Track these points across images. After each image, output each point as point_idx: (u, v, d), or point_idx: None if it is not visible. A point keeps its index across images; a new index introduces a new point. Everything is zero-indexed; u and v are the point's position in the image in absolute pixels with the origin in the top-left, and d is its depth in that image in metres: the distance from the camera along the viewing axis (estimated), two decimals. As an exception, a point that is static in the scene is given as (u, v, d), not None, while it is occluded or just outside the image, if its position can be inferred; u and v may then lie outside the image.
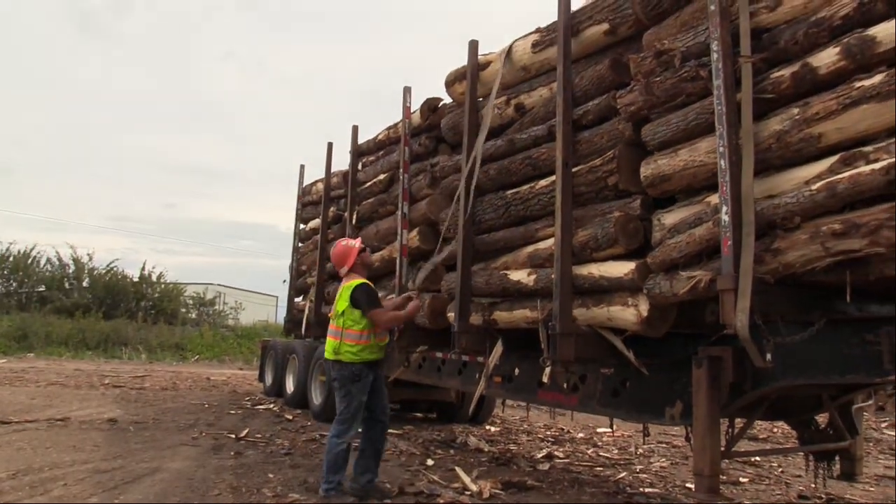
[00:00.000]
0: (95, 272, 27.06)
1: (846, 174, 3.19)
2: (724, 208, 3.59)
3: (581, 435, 9.21)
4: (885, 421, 11.46)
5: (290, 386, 10.60)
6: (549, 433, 9.26)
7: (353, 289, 5.24)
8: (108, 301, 26.10)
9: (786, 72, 3.60)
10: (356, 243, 5.56)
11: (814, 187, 3.31)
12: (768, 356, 3.67)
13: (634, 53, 4.59)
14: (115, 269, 27.53)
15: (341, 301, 5.26)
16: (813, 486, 5.90)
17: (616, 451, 8.02)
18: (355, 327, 5.17)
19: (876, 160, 3.13)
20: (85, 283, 26.91)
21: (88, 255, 28.07)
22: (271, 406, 10.37)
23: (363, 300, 5.19)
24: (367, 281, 5.37)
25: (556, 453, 7.59)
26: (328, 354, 5.25)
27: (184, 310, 29.67)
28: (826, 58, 3.42)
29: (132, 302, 27.04)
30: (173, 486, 5.22)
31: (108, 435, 7.40)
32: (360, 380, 5.14)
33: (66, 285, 26.80)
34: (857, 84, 3.24)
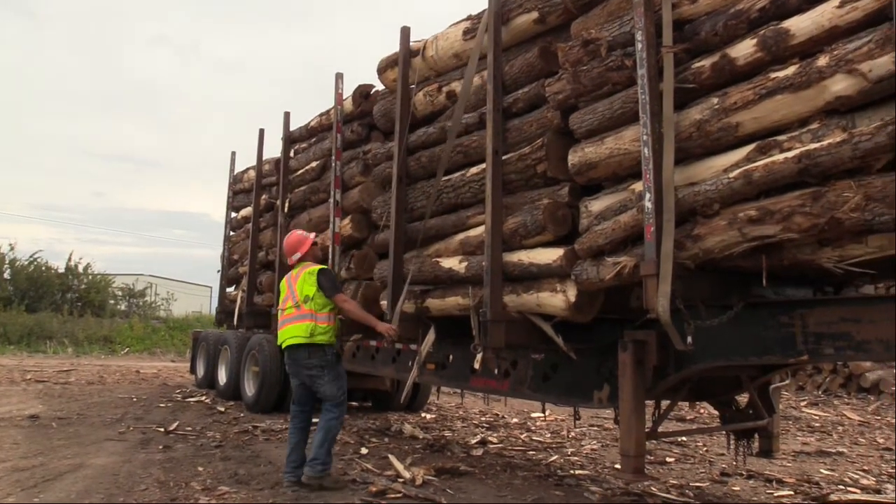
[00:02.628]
0: (17, 263, 26.00)
1: (761, 162, 3.28)
2: (648, 195, 3.66)
3: (515, 420, 9.32)
4: (804, 400, 11.97)
5: (222, 377, 10.41)
6: (483, 419, 9.34)
7: (317, 273, 5.28)
8: (32, 293, 25.16)
9: (706, 62, 3.69)
10: (311, 235, 5.60)
11: (731, 175, 3.40)
12: (689, 339, 3.77)
13: (563, 42, 4.63)
14: (38, 259, 26.58)
15: (307, 286, 5.27)
16: (734, 463, 6.11)
17: (549, 435, 8.15)
18: (325, 310, 5.24)
19: (789, 149, 3.23)
20: (6, 275, 25.82)
21: (10, 245, 26.99)
22: (203, 398, 10.16)
23: (329, 284, 5.27)
24: (328, 266, 5.41)
25: (490, 439, 7.65)
26: (297, 340, 5.18)
27: (112, 301, 28.86)
28: (744, 49, 3.51)
29: (57, 294, 26.15)
30: (97, 482, 5.06)
31: (28, 432, 7.12)
32: (341, 359, 5.33)
33: (-14, 277, 25.68)
34: (773, 75, 3.34)
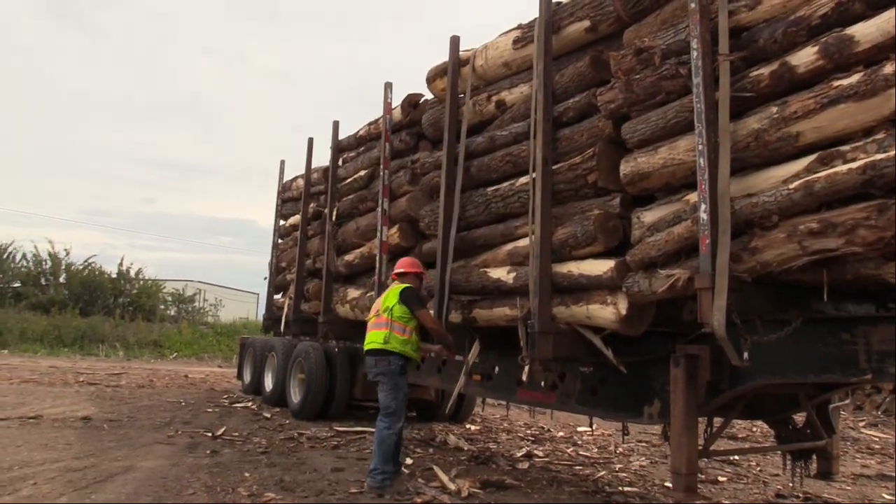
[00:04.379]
0: (73, 268, 26.75)
1: (823, 173, 3.20)
2: (703, 206, 3.60)
3: (561, 434, 9.23)
4: (862, 420, 11.59)
5: (268, 384, 10.54)
6: (529, 432, 9.27)
7: (402, 289, 5.67)
8: (86, 297, 25.82)
9: (764, 70, 3.62)
10: (425, 272, 6.07)
11: (791, 186, 3.32)
12: (745, 355, 3.69)
13: (615, 51, 4.59)
14: (92, 264, 27.27)
15: (390, 298, 5.68)
16: (790, 484, 5.94)
17: (596, 450, 8.04)
18: (401, 321, 5.57)
19: (853, 160, 3.14)
20: (62, 279, 26.60)
21: (65, 250, 27.77)
22: (249, 404, 10.30)
23: (414, 299, 5.63)
24: (415, 286, 5.84)
25: (535, 452, 7.59)
26: (373, 345, 5.57)
27: (162, 306, 29.44)
28: (804, 57, 3.43)
29: (110, 298, 26.77)
30: (146, 485, 5.16)
31: (80, 433, 7.31)
32: (406, 372, 5.59)
33: (43, 281, 26.47)
34: (835, 83, 3.25)
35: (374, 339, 5.61)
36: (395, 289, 5.73)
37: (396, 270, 5.98)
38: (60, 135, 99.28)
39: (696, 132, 3.70)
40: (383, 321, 5.61)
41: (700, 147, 3.66)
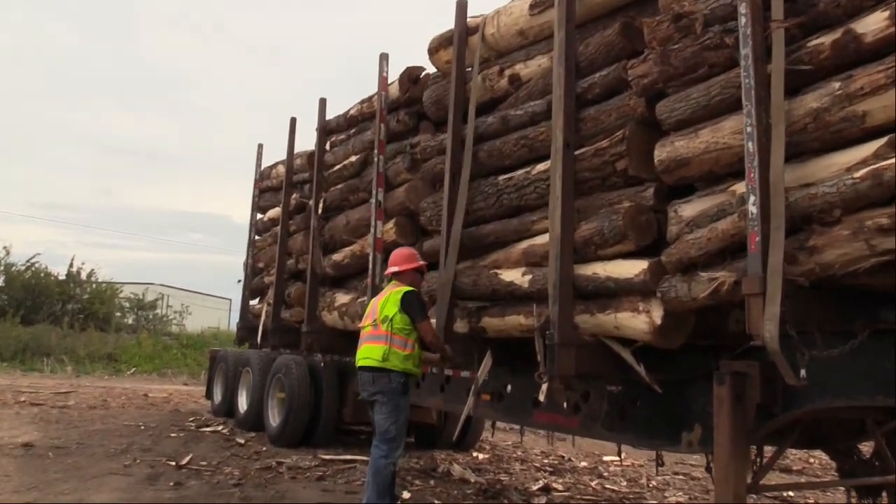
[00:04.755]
0: (13, 269, 26.75)
1: (895, 160, 3.19)
2: (752, 198, 3.60)
3: (584, 464, 9.23)
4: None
5: (242, 404, 10.56)
6: (546, 461, 9.28)
7: (403, 294, 5.64)
8: (28, 303, 25.82)
9: (825, 39, 3.60)
10: (423, 263, 6.06)
11: (857, 175, 3.31)
12: (802, 372, 3.67)
13: (649, 17, 4.58)
14: (36, 265, 27.25)
15: (389, 305, 5.64)
16: (852, 524, 5.92)
17: (625, 484, 8.04)
18: (402, 333, 5.57)
19: (929, 144, 3.13)
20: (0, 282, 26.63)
21: (5, 248, 27.69)
22: (220, 428, 10.32)
23: (416, 307, 5.61)
24: (417, 290, 5.84)
25: (554, 485, 7.59)
26: (369, 362, 5.57)
27: (119, 314, 29.50)
28: (873, 23, 3.42)
29: (57, 304, 26.77)
30: (100, 521, 5.17)
31: (21, 462, 7.33)
32: (408, 391, 5.63)
33: (-25, 284, 26.51)
34: (910, 54, 3.24)
35: (369, 354, 5.60)
36: (394, 293, 5.69)
37: (391, 269, 5.94)
38: (7, 115, 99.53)
39: (745, 111, 3.68)
40: (381, 333, 5.59)
41: (749, 129, 3.65)
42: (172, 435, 9.62)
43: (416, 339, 5.62)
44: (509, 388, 6.14)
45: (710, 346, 4.68)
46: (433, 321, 5.99)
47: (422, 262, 6.02)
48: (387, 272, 6.03)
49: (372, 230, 7.40)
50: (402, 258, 5.95)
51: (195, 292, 44.76)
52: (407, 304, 5.60)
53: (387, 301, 5.68)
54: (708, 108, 4.06)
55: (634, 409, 5.03)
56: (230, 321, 40.24)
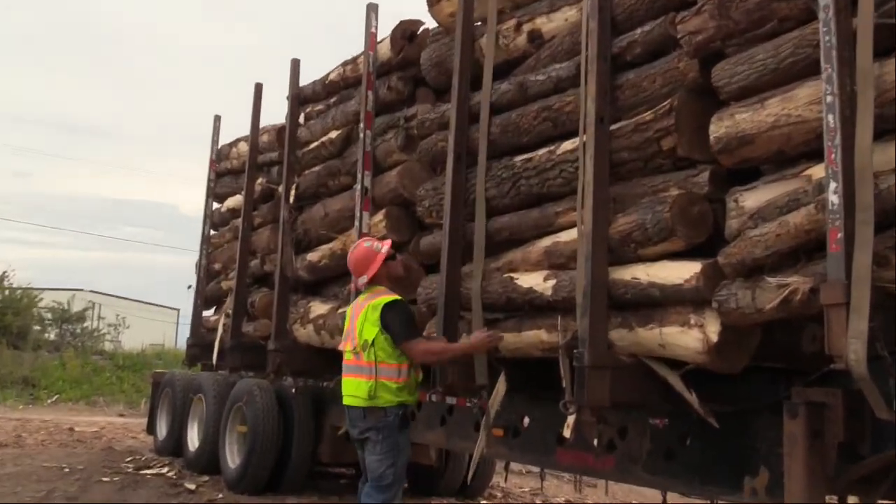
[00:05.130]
0: None
1: None
2: (833, 185, 3.58)
3: (619, 515, 9.22)
4: None
5: (193, 440, 10.56)
6: (572, 512, 9.27)
7: (382, 307, 5.59)
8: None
9: (925, -13, 3.60)
10: (383, 247, 5.88)
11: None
12: None
13: (704, -43, 4.58)
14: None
15: (368, 325, 5.60)
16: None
17: (670, 540, 8.03)
18: (391, 360, 5.55)
19: None
20: None
21: None
22: (165, 470, 10.30)
23: (399, 323, 5.57)
24: (400, 298, 5.79)
25: (582, 542, 7.59)
26: (356, 401, 5.60)
27: (38, 328, 29.44)
28: None
29: (-43, 316, 26.71)
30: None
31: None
32: (408, 426, 5.72)
33: None
34: None
35: (353, 391, 5.63)
36: (371, 307, 5.66)
37: (359, 281, 5.90)
38: None
39: (824, 76, 3.66)
40: (364, 365, 5.58)
41: (829, 98, 3.63)
42: (105, 480, 9.60)
43: (409, 361, 5.62)
44: (527, 420, 6.16)
45: (778, 371, 4.68)
46: (433, 331, 5.99)
47: (383, 247, 5.87)
48: (358, 286, 5.99)
49: (356, 224, 7.38)
50: (362, 259, 5.85)
51: (134, 300, 44.78)
52: (388, 320, 5.58)
53: (364, 319, 5.66)
54: (777, 72, 4.05)
55: (684, 447, 5.02)
56: (178, 336, 40.19)
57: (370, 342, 5.54)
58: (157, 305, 46.65)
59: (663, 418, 5.11)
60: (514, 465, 9.57)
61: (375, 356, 5.52)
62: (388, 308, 5.58)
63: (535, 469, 8.77)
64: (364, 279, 5.82)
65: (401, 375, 5.55)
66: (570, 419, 5.08)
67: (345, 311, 7.05)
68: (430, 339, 5.87)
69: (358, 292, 7.03)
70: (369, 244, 5.97)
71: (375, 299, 5.66)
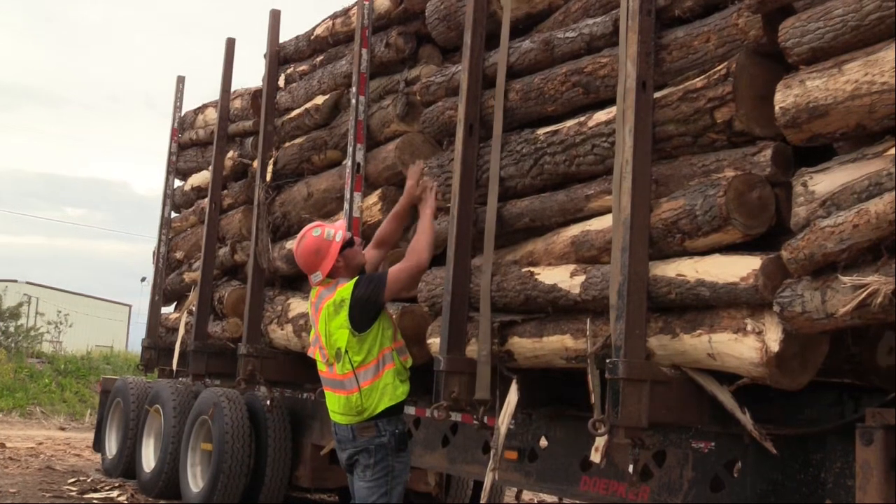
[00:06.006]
0: None
1: None
2: (925, 167, 3.54)
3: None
4: None
5: (149, 459, 10.60)
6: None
7: (349, 303, 5.56)
8: None
9: None
10: (336, 232, 5.79)
11: None
12: None
13: None
14: None
15: (337, 331, 5.60)
16: None
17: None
18: (369, 358, 5.56)
19: None
20: None
21: None
22: (115, 494, 10.30)
23: (369, 304, 5.56)
24: (358, 276, 5.73)
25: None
26: (343, 418, 5.63)
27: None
28: None
29: None
30: None
31: None
32: (406, 447, 5.70)
33: None
34: None
35: (338, 408, 5.64)
36: (332, 305, 5.64)
37: (314, 279, 5.81)
38: None
39: (917, 36, 3.63)
40: (339, 379, 5.60)
41: (923, 62, 3.59)
42: (45, 504, 9.60)
43: (394, 347, 5.68)
44: (545, 442, 6.16)
45: (848, 387, 4.66)
46: (433, 341, 5.99)
47: (339, 239, 5.75)
48: (311, 284, 5.92)
49: (346, 206, 7.38)
50: (312, 252, 5.75)
51: (78, 294, 44.90)
52: (359, 314, 5.57)
53: (328, 322, 5.65)
54: (859, 30, 3.98)
55: (733, 477, 5.00)
56: (130, 337, 40.30)
57: (344, 350, 5.56)
58: (105, 301, 46.79)
59: (709, 441, 5.11)
60: (528, 494, 9.56)
61: (351, 363, 5.53)
62: (355, 300, 5.55)
63: (554, 498, 8.75)
64: (318, 277, 5.76)
65: (380, 369, 5.56)
66: (600, 441, 5.07)
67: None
68: (398, 268, 5.81)
69: None
70: (319, 232, 5.84)
71: (334, 293, 5.65)
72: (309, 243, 5.77)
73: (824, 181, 4.17)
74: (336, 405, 5.63)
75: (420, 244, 5.74)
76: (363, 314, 5.51)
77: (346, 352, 5.51)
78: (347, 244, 5.77)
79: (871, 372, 4.53)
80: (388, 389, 5.53)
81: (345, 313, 5.51)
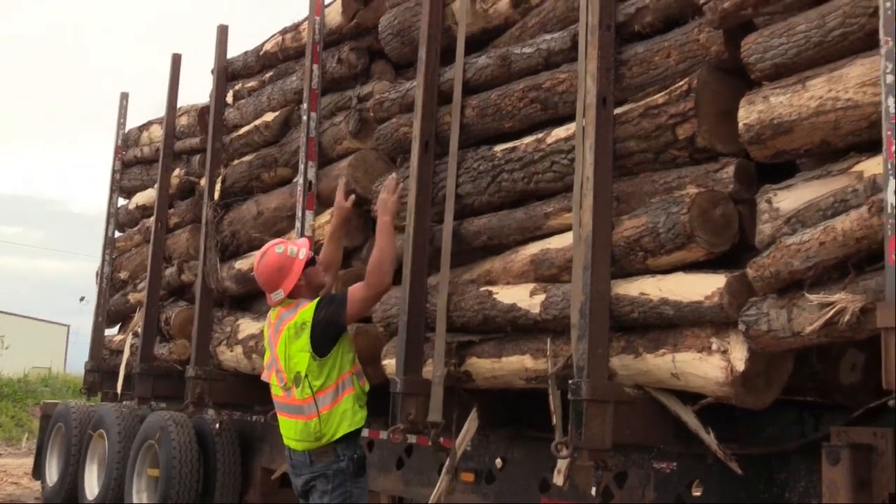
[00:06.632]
0: None
1: None
2: (892, 183, 3.55)
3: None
4: None
5: (92, 487, 10.50)
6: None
7: (311, 325, 5.49)
8: None
9: None
10: (300, 250, 5.78)
11: None
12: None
13: None
14: None
15: (297, 355, 5.53)
16: None
17: None
18: (327, 382, 5.49)
19: None
20: None
21: None
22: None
23: (330, 327, 5.51)
24: (319, 297, 5.70)
25: None
26: (299, 444, 5.57)
27: None
28: None
29: None
30: None
31: None
32: (364, 472, 5.65)
33: None
34: None
35: (294, 434, 5.59)
36: (295, 326, 5.59)
37: (273, 298, 5.78)
38: None
39: (883, 52, 3.63)
40: (298, 403, 5.54)
41: (889, 78, 3.59)
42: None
43: (352, 370, 5.65)
44: (501, 462, 6.16)
45: (807, 404, 4.67)
46: (388, 362, 5.95)
47: (298, 252, 5.76)
48: (270, 302, 5.88)
49: (298, 224, 7.35)
50: (274, 270, 5.72)
51: (12, 314, 44.35)
52: (321, 337, 5.51)
53: (288, 345, 5.60)
54: (823, 46, 4.01)
55: (698, 496, 4.99)
56: (68, 358, 39.88)
57: (303, 374, 5.51)
58: (41, 321, 46.22)
59: (671, 462, 5.10)
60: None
61: (311, 388, 5.48)
62: (316, 322, 5.50)
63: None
64: (279, 295, 5.71)
65: (338, 394, 5.52)
66: (562, 463, 5.05)
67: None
68: (361, 286, 5.74)
69: None
70: (282, 249, 5.82)
71: (296, 315, 5.59)
72: (271, 260, 5.74)
73: (789, 198, 4.19)
74: (292, 431, 5.58)
75: (381, 264, 5.65)
76: (325, 337, 5.48)
77: (306, 376, 5.46)
78: (310, 262, 5.76)
79: (835, 389, 4.56)
80: (347, 415, 5.50)
81: (306, 336, 5.46)
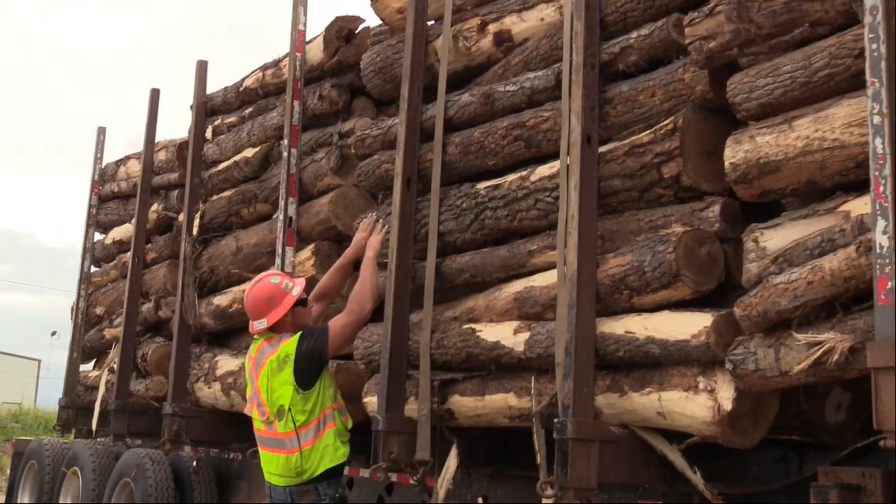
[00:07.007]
0: None
1: None
2: (880, 223, 3.55)
3: None
4: None
5: (66, 527, 10.32)
6: None
7: (294, 358, 5.50)
8: None
9: None
10: (294, 286, 5.77)
11: None
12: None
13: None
14: None
15: (280, 388, 5.53)
16: None
17: None
18: (311, 418, 5.49)
19: None
20: None
21: None
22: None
23: (314, 359, 5.53)
24: (301, 331, 5.67)
25: None
26: (280, 480, 5.57)
27: None
28: None
29: None
30: None
31: None
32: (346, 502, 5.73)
33: None
34: None
35: (275, 469, 5.58)
36: (278, 359, 5.58)
37: (256, 326, 5.77)
38: None
39: (870, 93, 3.65)
40: (281, 437, 5.54)
41: (876, 119, 3.61)
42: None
43: (329, 403, 5.62)
44: (482, 501, 6.10)
45: (791, 443, 4.66)
46: (370, 399, 5.92)
47: (296, 289, 5.78)
48: (252, 330, 5.87)
49: (278, 260, 7.31)
50: (265, 299, 5.73)
51: (-17, 350, 44.04)
52: (305, 370, 5.52)
53: (270, 378, 5.58)
54: (809, 86, 4.04)
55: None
56: (39, 393, 39.57)
57: (287, 408, 5.49)
58: (12, 355, 45.84)
59: (656, 500, 5.08)
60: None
61: (294, 422, 5.47)
62: (300, 355, 5.52)
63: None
64: (263, 324, 5.70)
65: (321, 429, 5.52)
66: (547, 503, 5.02)
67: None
68: (341, 317, 5.82)
69: None
70: (278, 280, 5.85)
71: (278, 349, 5.59)
72: (264, 288, 5.75)
73: (775, 237, 4.20)
74: (273, 466, 5.55)
75: (363, 293, 5.71)
76: (309, 369, 5.48)
77: (290, 410, 5.45)
78: (301, 302, 5.76)
79: (820, 428, 4.55)
80: (329, 450, 5.47)
81: (289, 369, 5.46)
